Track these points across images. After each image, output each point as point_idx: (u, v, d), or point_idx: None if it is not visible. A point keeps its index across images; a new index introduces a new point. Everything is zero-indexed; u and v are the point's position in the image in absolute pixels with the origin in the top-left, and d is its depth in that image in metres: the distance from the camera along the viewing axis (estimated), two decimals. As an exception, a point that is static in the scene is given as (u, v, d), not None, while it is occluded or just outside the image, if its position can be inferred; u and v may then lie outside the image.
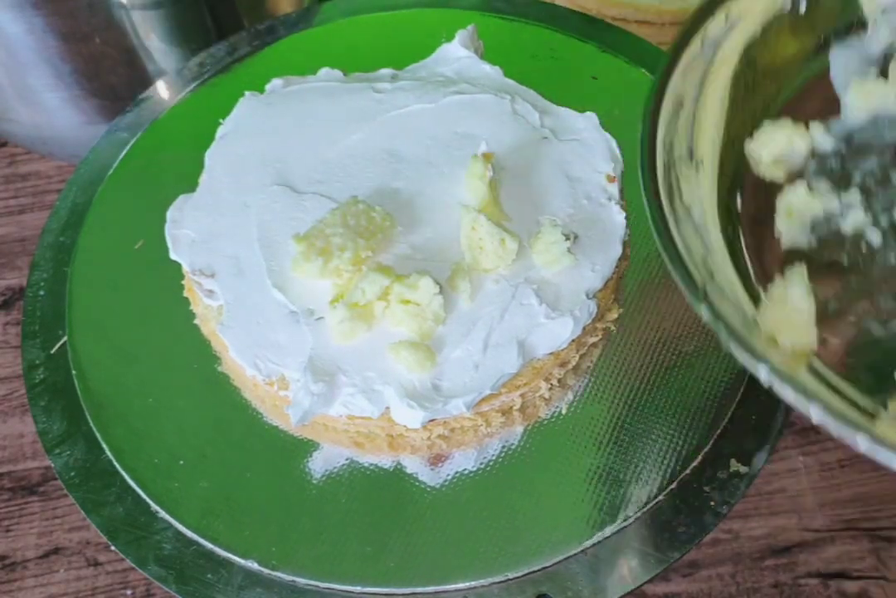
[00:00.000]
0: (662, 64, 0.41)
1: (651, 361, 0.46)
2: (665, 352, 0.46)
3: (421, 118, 0.49)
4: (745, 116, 0.44)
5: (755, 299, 0.38)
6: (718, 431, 0.44)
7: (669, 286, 0.48)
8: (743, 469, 0.43)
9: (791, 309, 0.37)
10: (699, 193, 0.40)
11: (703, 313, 0.34)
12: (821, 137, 0.44)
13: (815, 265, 0.40)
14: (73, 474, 0.45)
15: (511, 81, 0.51)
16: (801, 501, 0.52)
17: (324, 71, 0.53)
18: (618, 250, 0.45)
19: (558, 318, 0.43)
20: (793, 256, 0.41)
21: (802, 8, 0.44)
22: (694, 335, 0.46)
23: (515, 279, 0.43)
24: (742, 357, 0.33)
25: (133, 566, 0.43)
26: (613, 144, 0.49)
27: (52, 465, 0.46)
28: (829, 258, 0.41)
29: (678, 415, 0.44)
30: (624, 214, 0.46)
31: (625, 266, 0.48)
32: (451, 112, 0.49)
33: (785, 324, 0.37)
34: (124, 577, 0.52)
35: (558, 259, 0.43)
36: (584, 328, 0.43)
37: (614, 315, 0.47)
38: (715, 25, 0.42)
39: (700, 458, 0.43)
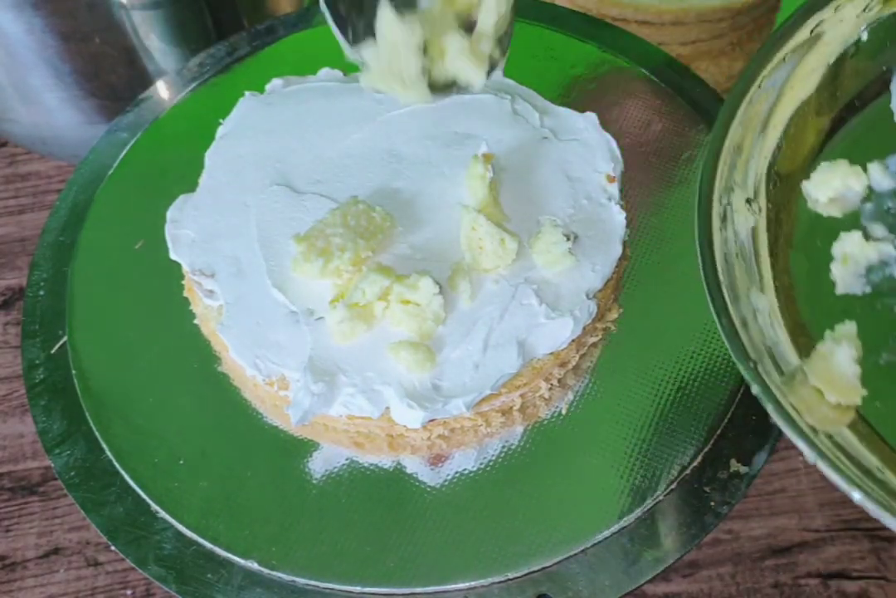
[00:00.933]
0: (726, 108, 0.42)
1: (651, 361, 0.46)
2: (665, 352, 0.46)
3: (421, 118, 0.49)
4: (800, 157, 0.44)
5: (807, 348, 0.39)
6: (718, 431, 0.44)
7: (669, 286, 0.48)
8: (743, 469, 0.43)
9: (836, 371, 0.37)
10: (754, 241, 0.41)
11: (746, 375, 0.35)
12: (879, 176, 0.44)
13: (869, 314, 0.40)
14: (73, 474, 0.45)
15: (511, 81, 0.51)
16: (801, 501, 0.52)
17: (324, 71, 0.53)
18: (618, 250, 0.45)
19: (558, 318, 0.43)
20: (846, 303, 0.41)
21: (864, 36, 0.45)
22: (694, 335, 0.46)
23: (515, 279, 0.43)
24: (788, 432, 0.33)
25: (133, 566, 0.43)
26: (613, 144, 0.48)
27: (52, 465, 0.45)
28: (882, 306, 0.41)
29: (678, 415, 0.44)
30: (624, 214, 0.46)
31: (625, 266, 0.48)
32: (451, 112, 0.49)
33: (830, 382, 0.37)
34: (124, 577, 0.52)
35: (559, 260, 0.43)
36: (584, 328, 0.43)
37: (614, 315, 0.47)
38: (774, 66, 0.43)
39: (700, 458, 0.43)
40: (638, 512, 0.42)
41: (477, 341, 0.42)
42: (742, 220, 0.40)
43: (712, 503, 0.42)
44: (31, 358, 0.49)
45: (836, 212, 0.44)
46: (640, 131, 0.53)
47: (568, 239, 0.43)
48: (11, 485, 0.55)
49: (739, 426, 0.44)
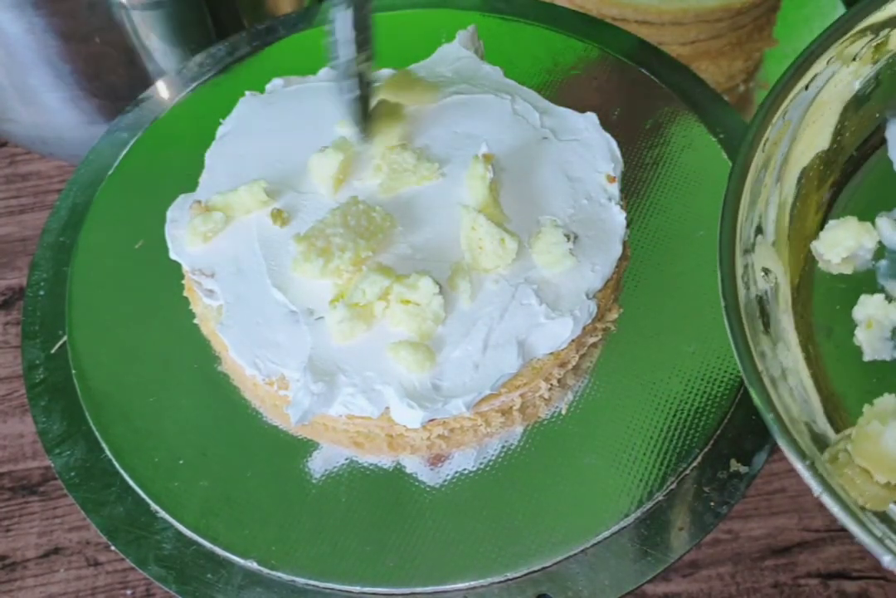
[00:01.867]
0: (739, 163, 0.40)
1: (651, 361, 0.46)
2: (665, 352, 0.46)
3: (421, 118, 0.49)
4: (808, 219, 0.43)
5: (842, 421, 0.38)
6: (718, 431, 0.44)
7: (669, 286, 0.48)
8: (743, 469, 0.43)
9: (885, 451, 0.36)
10: (777, 309, 0.40)
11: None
12: (889, 231, 0.43)
13: None
14: (73, 474, 0.45)
15: (511, 81, 0.51)
16: (801, 501, 0.52)
17: (324, 71, 0.53)
18: (618, 250, 0.45)
19: (558, 318, 0.43)
20: (877, 370, 0.40)
21: (867, 89, 0.44)
22: (694, 335, 0.46)
23: (515, 279, 0.43)
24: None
25: (133, 566, 0.43)
26: (613, 144, 0.48)
27: (52, 465, 0.45)
28: None
29: (678, 415, 0.44)
30: (624, 214, 0.46)
31: (625, 266, 0.48)
32: (451, 112, 0.49)
33: (879, 463, 0.35)
34: (124, 577, 0.52)
35: (560, 260, 0.43)
36: (584, 328, 0.43)
37: (614, 315, 0.47)
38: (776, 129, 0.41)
39: (700, 458, 0.43)
40: (638, 512, 0.42)
41: (477, 341, 0.42)
42: (762, 287, 0.39)
43: (712, 503, 0.42)
44: (31, 358, 0.49)
45: (848, 271, 0.42)
46: (640, 131, 0.53)
47: (568, 239, 0.43)
48: (11, 485, 0.55)
49: (739, 426, 0.44)
